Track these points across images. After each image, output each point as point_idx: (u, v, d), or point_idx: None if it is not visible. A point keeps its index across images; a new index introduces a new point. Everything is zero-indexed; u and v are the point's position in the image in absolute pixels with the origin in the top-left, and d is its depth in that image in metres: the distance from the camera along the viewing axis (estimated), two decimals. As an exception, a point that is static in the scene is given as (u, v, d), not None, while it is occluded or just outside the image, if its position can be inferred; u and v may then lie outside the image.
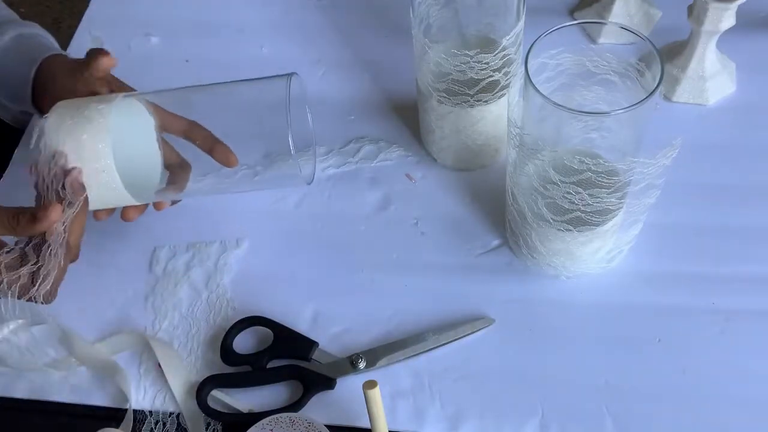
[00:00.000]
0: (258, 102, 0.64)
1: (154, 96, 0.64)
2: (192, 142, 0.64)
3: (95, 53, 0.66)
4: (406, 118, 0.80)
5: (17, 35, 0.71)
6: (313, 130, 0.66)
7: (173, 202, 0.69)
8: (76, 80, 0.66)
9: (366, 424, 0.59)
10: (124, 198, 0.62)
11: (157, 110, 0.63)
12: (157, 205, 0.67)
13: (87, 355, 0.67)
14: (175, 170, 0.65)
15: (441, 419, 0.62)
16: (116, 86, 0.67)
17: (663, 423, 0.60)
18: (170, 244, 0.73)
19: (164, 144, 0.64)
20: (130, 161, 0.61)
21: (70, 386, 0.66)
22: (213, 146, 0.64)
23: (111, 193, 0.61)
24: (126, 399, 0.64)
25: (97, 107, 0.60)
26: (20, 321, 0.69)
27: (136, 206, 0.64)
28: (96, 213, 0.64)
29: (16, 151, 0.82)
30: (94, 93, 0.65)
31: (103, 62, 0.65)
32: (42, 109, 0.69)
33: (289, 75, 0.62)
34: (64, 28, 1.90)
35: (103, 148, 0.58)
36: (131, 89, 0.67)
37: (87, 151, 0.58)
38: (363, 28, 0.89)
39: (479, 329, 0.66)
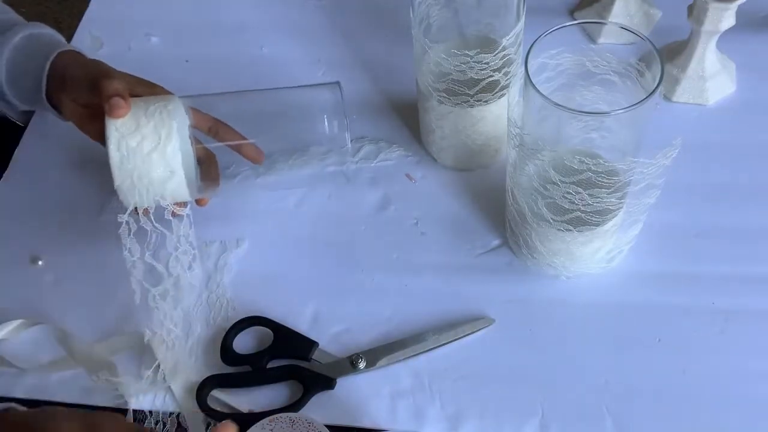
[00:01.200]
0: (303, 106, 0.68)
1: (194, 100, 0.65)
2: (217, 139, 0.65)
3: (110, 93, 0.60)
4: (406, 118, 0.80)
5: (28, 35, 0.71)
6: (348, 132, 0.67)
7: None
8: (92, 91, 0.63)
9: (366, 424, 0.59)
10: (185, 195, 0.62)
11: (190, 110, 0.64)
12: (199, 201, 0.68)
13: (86, 355, 0.67)
14: (205, 163, 0.66)
15: (441, 419, 0.62)
16: (136, 83, 0.65)
17: (663, 423, 0.60)
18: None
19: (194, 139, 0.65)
20: (183, 159, 0.61)
21: (70, 386, 0.66)
22: (240, 143, 0.65)
23: (177, 192, 0.61)
24: (125, 399, 0.64)
25: (161, 110, 0.60)
26: (20, 321, 0.69)
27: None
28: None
29: (16, 150, 0.82)
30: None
31: (115, 114, 0.60)
32: (56, 105, 0.68)
33: (335, 83, 0.67)
34: (64, 28, 1.89)
35: (173, 153, 0.59)
36: (151, 84, 0.66)
37: (155, 171, 0.59)
38: (363, 28, 0.89)
39: (479, 329, 0.66)
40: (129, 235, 0.61)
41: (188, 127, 0.63)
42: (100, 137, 0.60)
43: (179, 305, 0.67)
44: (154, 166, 0.59)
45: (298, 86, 0.68)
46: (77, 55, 0.70)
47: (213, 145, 0.65)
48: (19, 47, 0.70)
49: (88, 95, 0.63)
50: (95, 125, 0.62)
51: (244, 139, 0.65)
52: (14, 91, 0.71)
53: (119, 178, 0.59)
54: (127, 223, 0.61)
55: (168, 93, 0.65)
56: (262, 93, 0.67)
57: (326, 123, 0.66)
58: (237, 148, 0.65)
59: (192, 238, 0.64)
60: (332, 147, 0.68)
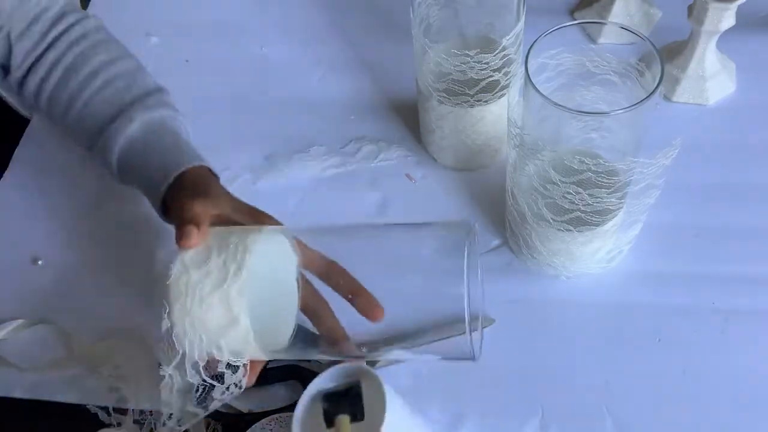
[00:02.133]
0: (432, 258, 0.53)
1: (304, 233, 0.54)
2: (330, 285, 0.53)
3: (187, 222, 0.53)
4: (406, 118, 0.80)
5: (145, 124, 0.64)
6: (483, 297, 0.57)
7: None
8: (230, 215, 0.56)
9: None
10: (254, 352, 0.51)
11: (298, 244, 0.53)
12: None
13: (86, 355, 0.67)
14: (311, 312, 0.54)
15: (441, 419, 0.62)
16: (238, 210, 0.57)
17: (663, 423, 0.60)
18: (170, 244, 0.73)
19: (303, 282, 0.53)
20: (265, 309, 0.51)
21: (70, 386, 0.66)
22: (356, 293, 0.52)
23: (240, 347, 0.51)
24: (126, 399, 0.64)
25: (238, 244, 0.50)
26: (20, 321, 0.69)
27: None
28: None
29: (16, 150, 0.82)
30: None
31: (182, 244, 0.52)
32: (169, 212, 0.61)
33: (471, 228, 0.50)
34: (64, 28, 1.90)
35: (237, 295, 0.49)
36: (257, 213, 0.58)
37: (215, 317, 0.49)
38: (363, 28, 0.89)
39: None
40: (172, 391, 0.52)
41: (294, 265, 0.53)
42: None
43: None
44: (212, 311, 0.49)
45: (429, 224, 0.53)
46: (209, 175, 0.62)
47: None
48: (135, 141, 0.63)
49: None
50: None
51: (362, 287, 0.52)
52: (133, 181, 0.64)
53: (174, 321, 0.50)
54: (171, 376, 0.51)
55: (275, 223, 0.56)
56: (387, 233, 0.54)
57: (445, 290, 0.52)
58: (350, 299, 0.53)
59: (243, 382, 0.53)
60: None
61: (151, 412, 0.64)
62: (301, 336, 0.54)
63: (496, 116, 0.70)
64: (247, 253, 0.49)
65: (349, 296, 0.52)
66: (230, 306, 0.49)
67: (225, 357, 0.51)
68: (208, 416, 0.63)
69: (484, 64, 0.64)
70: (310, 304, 0.53)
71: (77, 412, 0.65)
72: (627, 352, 0.64)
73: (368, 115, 0.81)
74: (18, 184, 0.79)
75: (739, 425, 0.60)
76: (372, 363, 0.64)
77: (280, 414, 0.60)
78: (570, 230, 0.61)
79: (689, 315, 0.65)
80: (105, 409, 0.64)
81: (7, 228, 0.76)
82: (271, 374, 0.65)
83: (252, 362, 0.53)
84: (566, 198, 0.58)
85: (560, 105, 0.53)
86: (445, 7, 0.68)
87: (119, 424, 0.63)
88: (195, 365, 0.51)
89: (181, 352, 0.50)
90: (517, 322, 0.66)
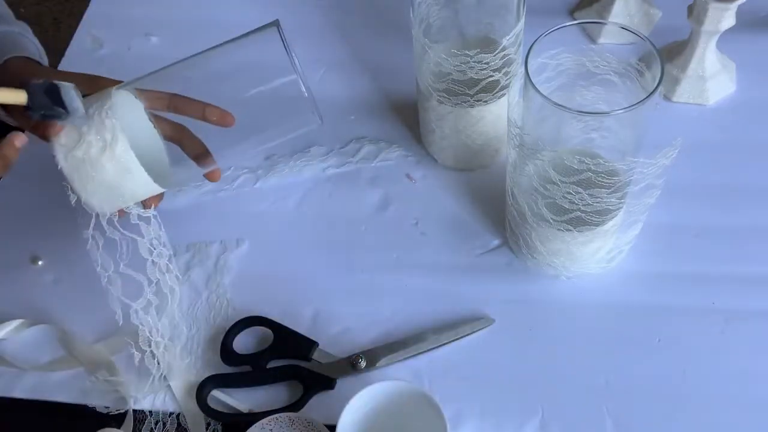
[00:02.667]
0: (253, 58, 0.62)
1: (142, 82, 0.61)
2: (179, 113, 0.60)
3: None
4: (406, 118, 0.80)
5: None
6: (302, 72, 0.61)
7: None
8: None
9: (366, 424, 0.59)
10: (153, 189, 0.59)
11: (139, 92, 0.60)
12: (210, 176, 0.63)
13: (86, 355, 0.67)
14: (177, 139, 0.61)
15: (441, 419, 0.62)
16: (80, 82, 0.61)
17: (663, 423, 0.60)
18: (170, 244, 0.73)
19: (156, 119, 0.61)
20: (140, 151, 0.58)
21: (70, 386, 0.66)
22: (204, 111, 0.59)
23: (141, 189, 0.58)
24: (126, 399, 0.64)
25: (100, 112, 0.57)
26: (20, 321, 0.69)
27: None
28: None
29: (16, 151, 0.81)
30: None
31: (50, 132, 0.58)
32: (6, 108, 0.66)
33: (275, 23, 0.61)
34: (64, 28, 1.90)
35: (123, 152, 0.56)
36: (95, 78, 0.63)
37: (110, 176, 0.57)
38: (363, 28, 0.89)
39: (479, 329, 0.66)
40: (98, 249, 0.58)
41: (143, 110, 0.60)
42: None
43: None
44: (107, 171, 0.56)
45: (235, 39, 0.62)
46: (29, 62, 0.68)
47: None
48: None
49: None
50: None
51: (208, 104, 0.59)
52: None
53: (78, 192, 0.57)
54: (93, 237, 0.58)
55: (112, 83, 0.62)
56: (200, 58, 0.61)
57: (265, 76, 0.60)
58: (202, 117, 0.59)
59: (164, 238, 0.62)
60: (294, 102, 0.60)
61: (150, 412, 0.64)
62: (176, 162, 0.62)
63: (496, 116, 0.70)
64: (112, 118, 0.56)
65: (200, 114, 0.60)
66: (121, 163, 0.56)
67: (130, 203, 0.59)
68: (207, 416, 0.63)
69: (484, 64, 0.64)
70: (173, 134, 0.61)
71: (77, 412, 0.65)
72: (627, 352, 0.64)
73: (368, 115, 0.81)
74: (18, 184, 0.79)
75: (739, 425, 0.60)
76: (372, 363, 0.64)
77: (280, 414, 0.60)
78: (570, 230, 0.61)
79: (689, 315, 0.65)
80: (106, 408, 0.64)
81: (7, 228, 0.76)
82: (271, 374, 0.65)
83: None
84: (566, 198, 0.58)
85: (560, 105, 0.53)
86: (445, 7, 0.68)
87: (119, 425, 0.63)
88: (110, 221, 0.58)
89: (94, 214, 0.58)
90: (517, 322, 0.66)
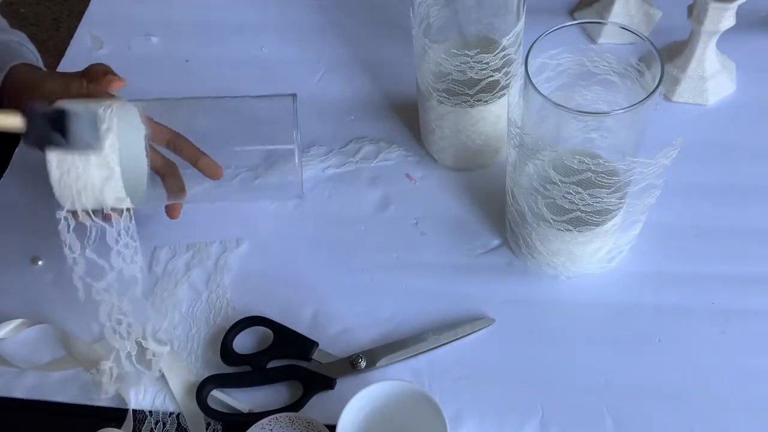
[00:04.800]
0: (262, 117, 0.67)
1: (154, 104, 0.64)
2: (176, 153, 0.63)
3: (105, 71, 0.64)
4: (406, 118, 0.80)
5: None
6: (298, 150, 0.66)
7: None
8: (67, 87, 0.64)
9: (366, 424, 0.59)
10: (120, 197, 0.60)
11: (148, 120, 0.63)
12: (170, 212, 0.68)
13: (86, 354, 0.67)
14: (163, 173, 0.64)
15: (441, 419, 0.62)
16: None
17: (663, 423, 0.60)
18: (170, 244, 0.73)
19: (150, 150, 0.63)
20: (123, 164, 0.59)
21: (70, 386, 0.66)
22: (198, 157, 0.63)
23: (110, 194, 0.59)
24: (126, 399, 0.64)
25: (104, 108, 0.58)
26: (20, 320, 0.69)
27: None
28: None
29: (16, 151, 0.82)
30: None
31: (114, 85, 0.63)
32: None
33: (293, 95, 0.65)
34: (64, 28, 1.90)
35: (111, 154, 0.57)
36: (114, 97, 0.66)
37: (93, 169, 0.57)
38: (363, 28, 0.89)
39: (479, 329, 0.66)
40: (69, 231, 0.60)
41: (144, 137, 0.61)
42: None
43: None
44: (91, 165, 0.56)
45: (255, 96, 0.67)
46: (31, 68, 0.69)
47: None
48: None
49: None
50: None
51: (203, 153, 0.63)
52: None
53: (55, 179, 0.57)
54: (66, 218, 0.59)
55: (110, 96, 0.64)
56: (215, 102, 0.66)
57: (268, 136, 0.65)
58: (194, 163, 0.63)
59: (133, 231, 0.62)
60: (283, 162, 0.65)
61: (150, 412, 0.64)
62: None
63: (496, 116, 0.70)
64: (113, 117, 0.56)
65: (194, 160, 0.63)
66: (106, 159, 0.56)
67: (93, 204, 0.59)
68: (207, 416, 0.63)
69: (484, 64, 0.64)
70: (161, 167, 0.64)
71: (77, 412, 0.65)
72: (627, 352, 0.64)
73: (368, 115, 0.81)
74: (18, 184, 0.79)
75: (739, 425, 0.60)
76: (372, 363, 0.64)
77: (280, 414, 0.60)
78: (570, 230, 0.61)
79: (689, 315, 0.65)
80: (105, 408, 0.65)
81: (7, 228, 0.76)
82: (271, 374, 0.65)
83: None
84: (566, 198, 0.58)
85: (560, 105, 0.53)
86: (445, 7, 0.68)
87: (119, 425, 0.63)
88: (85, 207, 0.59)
89: (69, 203, 0.58)
90: (517, 322, 0.66)
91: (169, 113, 0.65)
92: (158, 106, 0.64)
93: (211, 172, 0.64)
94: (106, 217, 0.62)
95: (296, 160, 0.63)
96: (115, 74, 0.63)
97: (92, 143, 0.56)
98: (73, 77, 0.65)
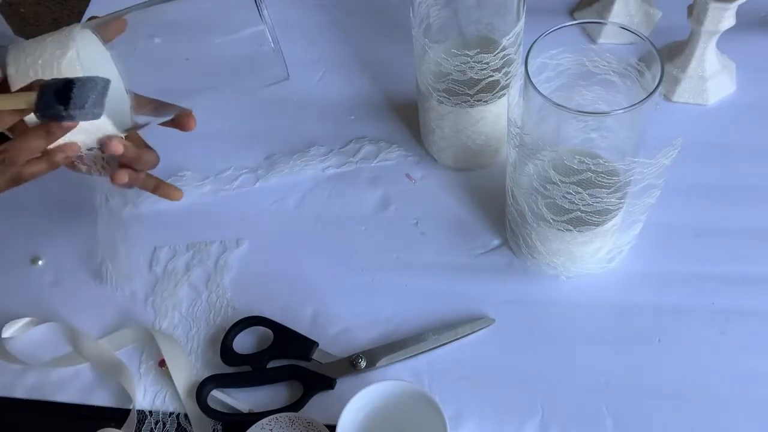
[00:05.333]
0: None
1: (114, 17, 0.61)
2: (155, 116, 0.61)
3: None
4: (406, 118, 0.80)
5: None
6: (272, 25, 0.64)
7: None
8: None
9: (366, 424, 0.59)
10: (105, 126, 0.58)
11: (136, 96, 0.60)
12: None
13: (93, 351, 0.67)
14: (155, 107, 0.62)
15: (441, 419, 0.62)
16: None
17: (663, 423, 0.60)
18: (170, 244, 0.73)
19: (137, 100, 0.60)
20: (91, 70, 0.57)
21: (70, 386, 0.66)
22: (175, 114, 0.61)
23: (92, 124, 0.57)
24: (128, 398, 0.64)
25: (68, 32, 0.57)
26: (28, 319, 0.69)
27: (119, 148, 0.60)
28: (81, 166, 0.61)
29: (16, 151, 0.81)
30: None
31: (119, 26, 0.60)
32: None
33: None
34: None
35: (69, 64, 0.55)
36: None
37: (48, 51, 0.56)
38: (363, 28, 0.89)
39: (479, 329, 0.66)
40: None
41: (129, 107, 0.59)
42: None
43: (179, 306, 0.67)
44: (47, 48, 0.55)
45: None
46: None
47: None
48: None
49: None
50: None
51: (180, 109, 0.61)
52: None
53: (12, 70, 0.55)
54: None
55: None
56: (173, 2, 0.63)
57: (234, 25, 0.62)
58: (172, 121, 0.62)
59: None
60: (263, 55, 0.61)
61: (150, 412, 0.64)
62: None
63: (496, 116, 0.70)
64: (72, 39, 0.56)
65: (171, 120, 0.61)
66: (63, 42, 0.55)
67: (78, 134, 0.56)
68: (207, 416, 0.63)
69: (484, 64, 0.64)
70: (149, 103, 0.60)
71: (77, 412, 0.65)
72: (627, 352, 0.64)
73: (368, 115, 0.81)
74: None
75: (739, 425, 0.60)
76: (372, 363, 0.64)
77: (280, 414, 0.60)
78: (570, 230, 0.61)
79: (689, 315, 0.65)
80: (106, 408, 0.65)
81: (7, 228, 0.76)
82: (271, 374, 0.65)
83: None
84: (566, 198, 0.58)
85: (560, 105, 0.53)
86: (445, 7, 0.68)
87: (119, 425, 0.63)
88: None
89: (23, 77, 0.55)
90: (517, 322, 0.66)
91: (129, 22, 0.62)
92: (118, 17, 0.61)
93: (186, 122, 0.62)
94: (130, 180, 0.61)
95: (269, 38, 0.60)
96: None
97: (96, 112, 0.53)
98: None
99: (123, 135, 0.60)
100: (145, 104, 0.60)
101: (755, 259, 0.68)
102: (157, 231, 0.74)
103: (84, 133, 0.57)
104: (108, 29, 0.59)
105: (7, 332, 0.68)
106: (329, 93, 0.83)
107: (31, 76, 0.55)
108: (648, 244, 0.68)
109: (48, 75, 0.55)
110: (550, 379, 0.63)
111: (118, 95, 0.58)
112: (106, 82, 0.54)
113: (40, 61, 0.56)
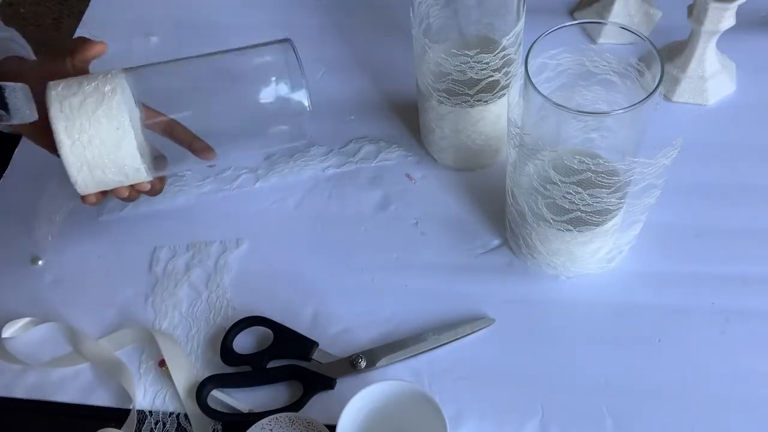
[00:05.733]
0: (258, 68, 0.65)
1: (147, 69, 0.63)
2: (170, 138, 0.63)
3: (83, 41, 0.65)
4: (406, 118, 0.80)
5: None
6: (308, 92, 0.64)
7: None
8: (54, 70, 0.63)
9: (366, 424, 0.59)
10: (137, 164, 0.60)
11: (144, 108, 0.62)
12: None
13: (93, 351, 0.67)
14: (170, 131, 0.64)
15: (441, 419, 0.62)
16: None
17: (663, 423, 0.60)
18: (170, 244, 0.73)
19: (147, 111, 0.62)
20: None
21: (70, 386, 0.66)
22: (191, 141, 0.63)
23: (128, 159, 0.59)
24: (128, 398, 0.64)
25: (105, 73, 0.58)
26: (28, 319, 0.69)
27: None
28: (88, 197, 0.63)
29: (16, 151, 0.82)
30: None
31: (95, 50, 0.64)
32: None
33: (287, 40, 0.63)
34: (64, 28, 1.90)
35: (118, 106, 0.57)
36: (87, 41, 0.66)
37: (104, 130, 0.57)
38: (363, 28, 0.89)
39: (479, 329, 0.66)
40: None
41: (139, 119, 0.60)
42: (51, 144, 0.58)
43: (179, 306, 0.67)
44: (101, 125, 0.56)
45: (246, 47, 0.64)
46: (19, 60, 0.69)
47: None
48: None
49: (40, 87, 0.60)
50: (46, 132, 0.59)
51: (196, 137, 0.63)
52: None
53: (66, 147, 0.57)
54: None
55: (98, 44, 0.65)
56: (207, 59, 0.64)
57: (276, 86, 0.63)
58: (189, 146, 0.63)
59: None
60: (292, 116, 0.64)
61: (150, 412, 0.64)
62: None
63: (496, 116, 0.70)
64: (115, 77, 0.58)
65: (188, 144, 0.63)
66: (115, 117, 0.57)
67: (111, 176, 0.59)
68: (207, 416, 0.63)
69: (484, 64, 0.64)
70: (165, 127, 0.62)
71: (77, 412, 0.65)
72: (627, 352, 0.64)
73: (368, 115, 0.81)
74: (18, 184, 0.79)
75: (739, 425, 0.60)
76: (372, 363, 0.64)
77: (280, 414, 0.60)
78: (570, 230, 0.61)
79: (689, 315, 0.65)
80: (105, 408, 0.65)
81: (7, 228, 0.76)
82: (271, 374, 0.65)
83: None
84: (566, 198, 0.58)
85: (560, 105, 0.53)
86: (445, 7, 0.68)
87: (119, 425, 0.63)
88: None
89: (84, 179, 0.58)
90: (517, 322, 0.66)
91: (163, 76, 0.64)
92: (152, 71, 0.63)
93: (205, 154, 0.63)
94: (130, 196, 0.63)
95: (306, 105, 0.63)
96: (91, 41, 0.63)
97: (29, 114, 0.56)
98: (57, 58, 0.65)
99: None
100: (154, 116, 0.62)
101: (755, 259, 0.68)
102: (157, 231, 0.74)
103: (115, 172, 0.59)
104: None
105: (7, 332, 0.68)
106: (329, 93, 0.83)
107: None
108: (648, 244, 0.68)
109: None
110: (550, 379, 0.63)
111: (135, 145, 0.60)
112: (26, 88, 0.56)
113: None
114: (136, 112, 0.61)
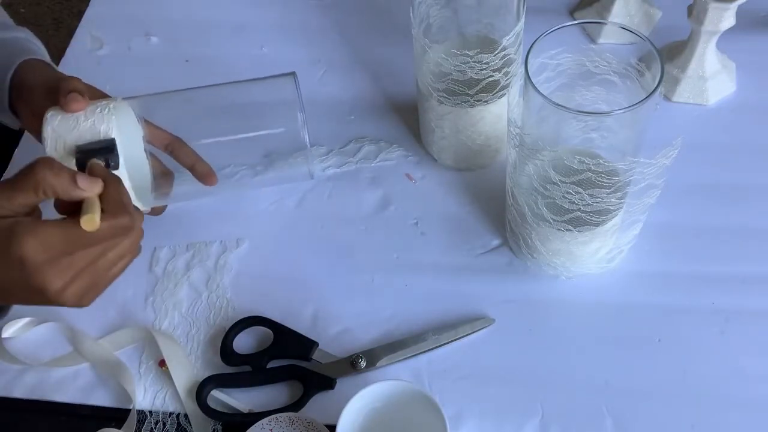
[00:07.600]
0: (263, 101, 0.66)
1: (152, 98, 0.64)
2: (173, 156, 0.64)
3: (68, 89, 0.60)
4: (406, 118, 0.80)
5: None
6: (306, 127, 0.65)
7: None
8: (51, 98, 0.61)
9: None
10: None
11: (144, 122, 0.63)
12: (154, 210, 0.68)
13: (93, 351, 0.67)
14: (159, 179, 0.65)
15: (441, 419, 0.62)
16: (93, 96, 0.63)
17: (663, 423, 0.60)
18: (170, 244, 0.73)
19: (150, 155, 0.64)
20: (128, 164, 0.59)
21: (70, 386, 0.66)
22: (194, 163, 0.64)
23: None
24: (128, 398, 0.64)
25: (102, 108, 0.59)
26: (28, 319, 0.69)
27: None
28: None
29: (16, 151, 0.82)
30: None
31: (72, 107, 0.59)
32: (17, 113, 0.67)
33: (292, 74, 0.64)
34: (64, 28, 1.90)
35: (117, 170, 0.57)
36: (104, 95, 0.65)
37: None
38: (363, 28, 0.89)
39: (479, 329, 0.66)
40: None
41: (142, 138, 0.62)
42: None
43: (179, 306, 0.67)
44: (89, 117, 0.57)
45: (252, 80, 0.66)
46: (40, 63, 0.69)
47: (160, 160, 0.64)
48: None
49: (44, 102, 0.61)
50: None
51: (200, 159, 0.64)
52: None
53: None
54: None
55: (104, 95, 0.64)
56: (215, 90, 0.65)
57: (276, 120, 0.65)
58: (190, 167, 0.64)
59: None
60: (292, 147, 0.65)
61: (150, 412, 0.64)
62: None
63: (496, 116, 0.70)
64: (112, 115, 0.58)
65: (190, 164, 0.64)
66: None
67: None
68: (207, 416, 0.63)
69: (484, 64, 0.64)
70: (168, 144, 0.64)
71: (77, 412, 0.65)
72: (627, 352, 0.64)
73: (368, 115, 0.81)
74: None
75: (739, 425, 0.60)
76: (372, 363, 0.64)
77: (280, 414, 0.60)
78: (570, 230, 0.61)
79: (689, 315, 0.65)
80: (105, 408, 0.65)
81: (7, 228, 0.76)
82: (271, 374, 0.65)
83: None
84: (566, 198, 0.58)
85: (560, 105, 0.53)
86: (445, 7, 0.68)
87: (119, 425, 0.63)
88: None
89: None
90: (517, 322, 0.66)
91: (166, 107, 0.65)
92: (154, 101, 0.64)
93: (206, 178, 0.64)
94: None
95: (306, 141, 0.63)
96: (81, 92, 0.59)
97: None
98: (55, 90, 0.62)
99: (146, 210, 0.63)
100: (157, 133, 0.62)
101: (755, 259, 0.68)
102: (157, 231, 0.74)
103: None
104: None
105: (7, 332, 0.68)
106: (329, 93, 0.83)
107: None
108: (648, 244, 0.68)
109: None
110: (550, 379, 0.63)
111: (141, 175, 0.61)
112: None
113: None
114: (139, 130, 0.62)
